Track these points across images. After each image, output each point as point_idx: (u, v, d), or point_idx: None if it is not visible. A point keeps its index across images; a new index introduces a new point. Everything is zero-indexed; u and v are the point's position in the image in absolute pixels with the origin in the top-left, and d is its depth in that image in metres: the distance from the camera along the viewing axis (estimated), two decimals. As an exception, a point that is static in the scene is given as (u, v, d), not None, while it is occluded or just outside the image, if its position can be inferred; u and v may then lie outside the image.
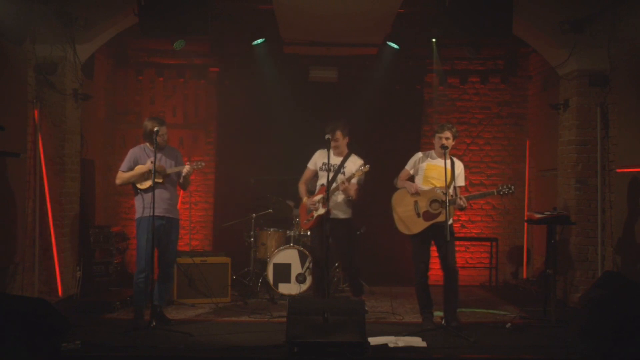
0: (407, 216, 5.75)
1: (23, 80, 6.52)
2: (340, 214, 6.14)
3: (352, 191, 6.03)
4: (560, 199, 7.27)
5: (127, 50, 8.79)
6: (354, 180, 6.02)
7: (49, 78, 6.69)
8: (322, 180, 6.20)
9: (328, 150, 5.89)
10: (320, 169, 6.24)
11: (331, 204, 5.95)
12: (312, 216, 6.20)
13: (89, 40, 6.97)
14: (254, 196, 7.87)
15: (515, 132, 9.07)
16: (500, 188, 5.62)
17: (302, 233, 7.48)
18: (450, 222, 5.64)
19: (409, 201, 5.75)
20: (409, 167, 5.94)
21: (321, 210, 6.09)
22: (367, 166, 6.01)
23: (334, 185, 6.02)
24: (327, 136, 5.91)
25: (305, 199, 6.36)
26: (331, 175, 6.00)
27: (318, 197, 6.18)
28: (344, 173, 6.12)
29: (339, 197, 6.10)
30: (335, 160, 6.17)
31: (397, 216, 5.83)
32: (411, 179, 5.91)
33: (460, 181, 5.81)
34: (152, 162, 5.65)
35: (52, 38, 6.62)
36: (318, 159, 6.29)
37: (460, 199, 5.56)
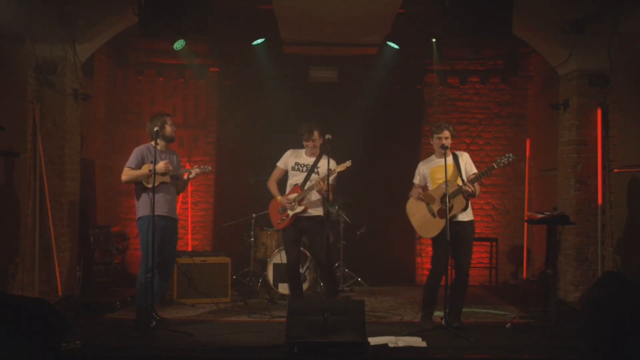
0: (424, 221, 5.70)
1: (23, 80, 6.52)
2: (315, 211, 6.16)
3: (326, 191, 5.97)
4: (560, 199, 7.27)
5: (127, 50, 8.80)
6: (333, 175, 5.99)
7: (49, 78, 6.69)
8: (295, 179, 6.22)
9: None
10: (293, 168, 6.24)
11: (306, 202, 6.09)
12: (287, 215, 6.18)
13: (89, 40, 6.97)
14: (254, 196, 7.87)
15: (515, 132, 9.07)
16: (500, 160, 5.46)
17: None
18: (469, 218, 5.62)
19: (422, 205, 5.71)
20: (416, 181, 5.87)
21: (298, 209, 6.12)
22: (349, 162, 5.97)
23: (309, 184, 6.07)
24: (327, 136, 5.93)
25: (279, 198, 6.28)
26: (304, 175, 6.12)
27: (293, 195, 6.17)
28: (317, 172, 6.14)
29: (313, 196, 6.13)
30: (308, 160, 6.22)
31: (415, 224, 5.78)
32: (424, 190, 5.84)
33: (471, 169, 5.72)
34: (164, 163, 5.62)
35: (52, 38, 6.62)
36: (290, 158, 6.28)
37: (465, 184, 5.47)
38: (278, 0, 6.73)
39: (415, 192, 5.80)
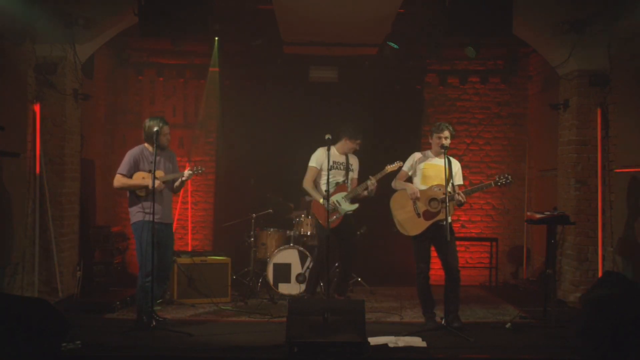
0: (407, 217, 5.74)
1: (23, 80, 6.52)
2: (352, 208, 6.48)
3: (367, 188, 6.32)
4: (560, 199, 7.27)
5: (127, 50, 8.79)
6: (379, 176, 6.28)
7: (49, 78, 6.69)
8: (337, 178, 6.40)
9: (339, 152, 6.19)
10: (332, 167, 6.30)
11: (356, 200, 6.39)
12: (339, 214, 6.34)
13: (89, 40, 6.97)
14: (254, 196, 7.87)
15: (515, 132, 9.07)
16: (498, 179, 5.63)
17: (302, 233, 7.47)
18: (450, 220, 5.65)
19: (408, 202, 5.75)
20: (406, 168, 5.94)
21: (351, 207, 6.38)
22: (400, 162, 6.14)
23: (349, 181, 6.43)
24: (327, 136, 5.89)
25: (324, 200, 6.16)
26: (343, 172, 6.42)
27: (342, 194, 6.36)
28: (352, 170, 6.47)
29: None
30: (341, 158, 6.47)
31: (397, 219, 5.82)
32: (409, 179, 5.91)
33: (459, 179, 5.82)
34: (150, 172, 5.56)
35: (52, 38, 6.62)
36: (324, 158, 6.21)
37: (459, 194, 5.57)
38: (278, 0, 6.73)
39: (408, 185, 5.80)
